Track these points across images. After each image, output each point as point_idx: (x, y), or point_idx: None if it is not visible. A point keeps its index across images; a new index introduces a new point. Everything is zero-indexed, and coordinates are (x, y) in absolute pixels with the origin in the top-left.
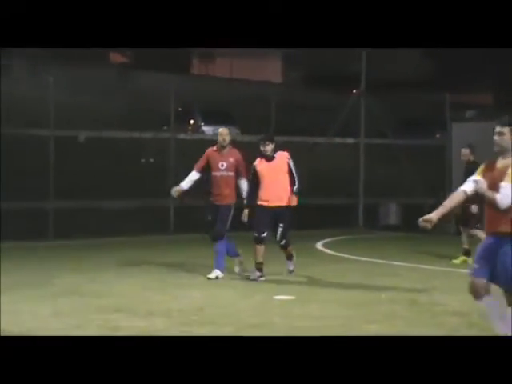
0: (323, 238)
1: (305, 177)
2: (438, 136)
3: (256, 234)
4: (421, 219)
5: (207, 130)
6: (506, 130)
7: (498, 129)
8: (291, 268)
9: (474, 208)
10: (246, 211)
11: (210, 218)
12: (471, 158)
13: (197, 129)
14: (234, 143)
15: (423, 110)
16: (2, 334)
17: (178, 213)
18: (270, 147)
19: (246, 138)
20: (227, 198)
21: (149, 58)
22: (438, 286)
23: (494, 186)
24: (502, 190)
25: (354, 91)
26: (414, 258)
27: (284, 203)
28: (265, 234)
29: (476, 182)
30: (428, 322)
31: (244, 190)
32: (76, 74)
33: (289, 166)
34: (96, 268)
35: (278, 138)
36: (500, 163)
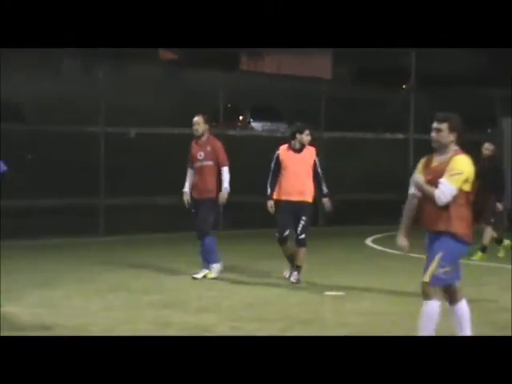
0: (373, 234)
1: (354, 172)
2: (488, 131)
3: (277, 234)
4: (399, 245)
5: (256, 126)
6: (443, 126)
7: (435, 125)
8: (294, 279)
9: (499, 206)
10: (270, 203)
11: (193, 210)
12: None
13: (246, 125)
14: (212, 132)
15: (474, 104)
16: (55, 329)
17: (227, 209)
18: (309, 138)
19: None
20: (208, 191)
21: (198, 54)
22: (487, 282)
23: (433, 183)
24: (440, 186)
25: (404, 86)
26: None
27: (306, 199)
28: (287, 233)
29: (413, 179)
30: (479, 320)
31: (225, 180)
32: (126, 71)
33: (315, 162)
34: (146, 263)
35: (327, 134)
36: (436, 160)
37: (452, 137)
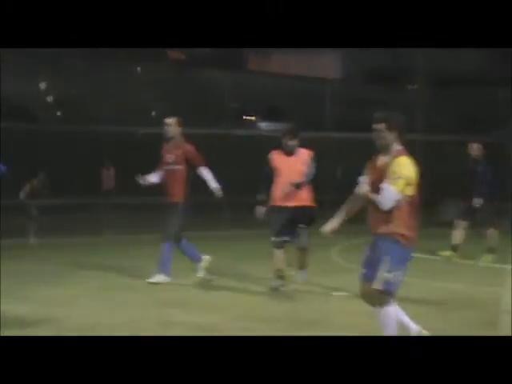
0: None
1: (359, 172)
2: (490, 131)
3: (274, 239)
4: (324, 230)
5: (262, 125)
6: (381, 126)
7: (373, 125)
8: (301, 279)
9: (477, 201)
10: (259, 208)
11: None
12: (478, 154)
13: (252, 125)
14: (184, 135)
15: (480, 105)
16: (56, 329)
17: (232, 209)
18: (292, 143)
19: (302, 135)
20: (174, 195)
21: (205, 54)
22: (488, 282)
23: (376, 186)
24: (383, 192)
25: (409, 86)
26: (470, 255)
27: (303, 203)
28: (284, 239)
29: (358, 183)
30: (479, 320)
31: (210, 180)
32: (132, 71)
33: (306, 164)
34: (148, 263)
35: (332, 134)
36: (381, 160)
37: (392, 136)
